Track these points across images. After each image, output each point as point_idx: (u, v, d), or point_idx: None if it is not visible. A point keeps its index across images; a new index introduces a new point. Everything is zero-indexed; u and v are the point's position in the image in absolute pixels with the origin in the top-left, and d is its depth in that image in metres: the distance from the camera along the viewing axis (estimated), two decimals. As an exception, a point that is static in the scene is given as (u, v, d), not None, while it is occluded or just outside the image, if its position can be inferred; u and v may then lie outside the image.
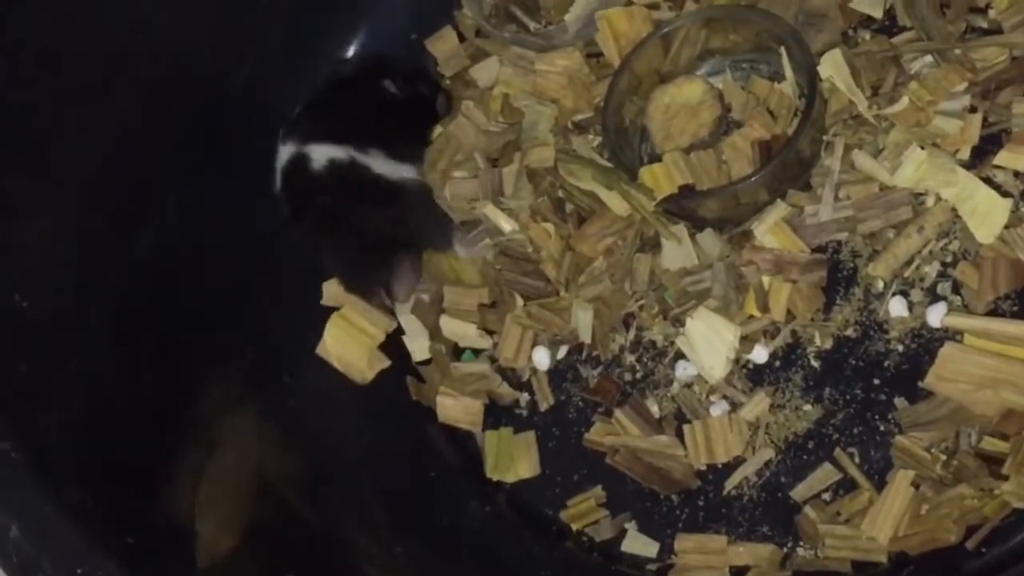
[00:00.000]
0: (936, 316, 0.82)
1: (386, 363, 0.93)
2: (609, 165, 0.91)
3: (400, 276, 0.94)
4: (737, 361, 0.86)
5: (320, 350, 0.93)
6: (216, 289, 0.90)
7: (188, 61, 0.94)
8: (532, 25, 1.00)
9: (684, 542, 0.84)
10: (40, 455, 0.70)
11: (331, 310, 0.94)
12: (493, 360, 0.93)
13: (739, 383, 0.86)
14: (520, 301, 0.92)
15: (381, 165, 0.94)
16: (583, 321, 0.90)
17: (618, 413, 0.87)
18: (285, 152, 0.94)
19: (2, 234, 0.78)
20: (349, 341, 0.93)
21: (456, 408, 0.91)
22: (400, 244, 0.94)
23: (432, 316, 0.93)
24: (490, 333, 0.93)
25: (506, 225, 0.93)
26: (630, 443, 0.86)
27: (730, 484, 0.85)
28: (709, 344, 0.85)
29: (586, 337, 0.90)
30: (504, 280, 0.92)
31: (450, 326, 0.93)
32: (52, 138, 0.82)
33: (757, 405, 0.85)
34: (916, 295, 0.84)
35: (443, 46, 1.03)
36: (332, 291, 0.95)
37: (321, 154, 0.93)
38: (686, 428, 0.85)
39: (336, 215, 0.93)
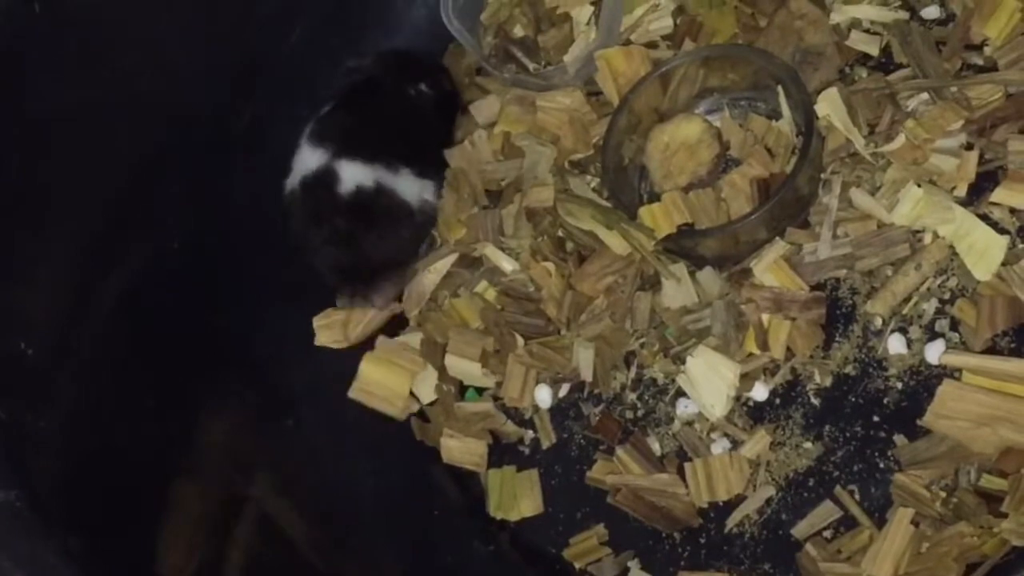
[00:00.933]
0: (935, 353, 0.83)
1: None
2: (608, 205, 0.92)
3: (385, 291, 0.96)
4: (738, 399, 0.87)
5: (354, 392, 0.93)
6: (216, 334, 0.91)
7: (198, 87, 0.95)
8: (532, 66, 1.01)
9: (686, 580, 0.84)
10: (44, 504, 0.71)
11: (335, 353, 0.95)
12: (497, 398, 0.93)
13: (740, 421, 0.87)
14: (521, 341, 0.92)
15: (406, 186, 0.95)
16: (584, 359, 0.90)
17: (620, 451, 0.88)
18: (312, 158, 0.94)
19: (8, 286, 0.79)
20: (390, 375, 0.93)
21: (460, 449, 0.91)
22: (395, 265, 0.96)
23: (438, 358, 0.94)
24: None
25: (507, 265, 0.94)
26: (631, 482, 0.86)
27: (731, 522, 0.85)
28: (709, 382, 0.86)
29: (587, 375, 0.91)
30: (505, 320, 0.93)
31: (455, 364, 0.93)
32: (52, 196, 0.82)
33: (758, 443, 0.85)
34: (915, 332, 0.84)
35: (461, 60, 1.05)
36: (323, 324, 0.96)
37: (350, 176, 0.93)
38: (687, 466, 0.85)
39: (349, 237, 0.93)
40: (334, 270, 0.95)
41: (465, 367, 0.93)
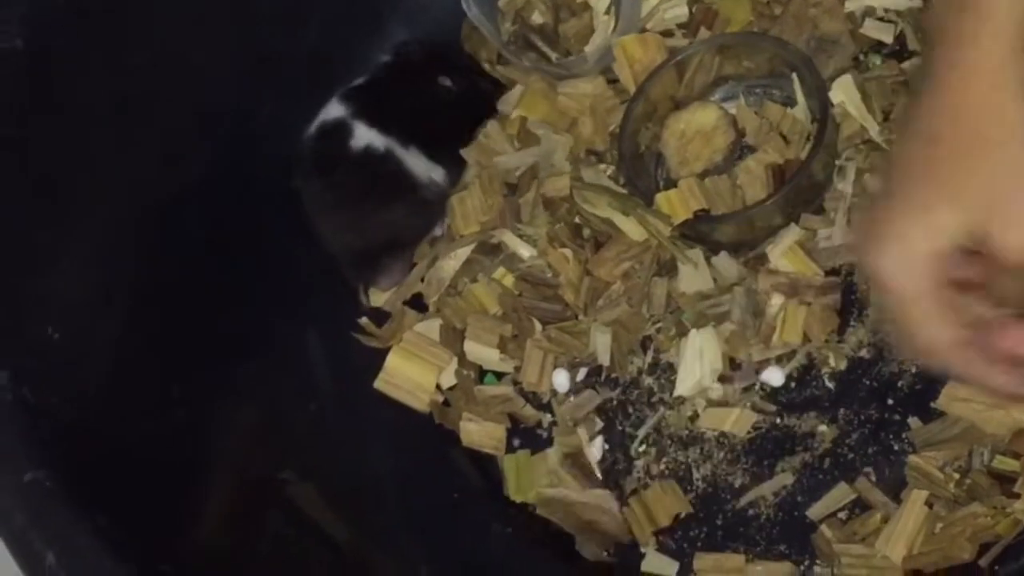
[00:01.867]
0: (948, 336, 0.83)
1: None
2: (624, 192, 0.93)
3: (390, 274, 0.98)
4: (754, 384, 0.88)
5: (379, 383, 0.93)
6: (239, 322, 0.92)
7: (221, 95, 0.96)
8: (554, 56, 1.01)
9: (703, 561, 0.85)
10: (75, 484, 0.72)
11: (357, 340, 0.97)
12: (515, 383, 0.94)
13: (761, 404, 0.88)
14: (539, 326, 0.93)
15: (415, 162, 0.97)
16: (601, 344, 0.91)
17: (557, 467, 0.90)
18: (335, 109, 0.97)
19: (37, 273, 0.80)
20: (416, 369, 0.94)
21: (479, 433, 0.92)
22: (397, 245, 0.98)
23: (457, 343, 0.95)
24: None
25: (525, 252, 0.95)
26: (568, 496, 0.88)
27: (746, 502, 0.86)
28: (694, 361, 0.88)
29: (605, 360, 0.92)
30: (523, 306, 0.94)
31: (474, 349, 0.94)
32: (79, 186, 0.84)
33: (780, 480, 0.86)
34: (929, 316, 0.85)
35: (486, 45, 1.05)
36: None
37: (364, 135, 0.95)
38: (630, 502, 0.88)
39: (349, 198, 0.96)
40: (336, 244, 0.97)
41: (484, 352, 0.94)
